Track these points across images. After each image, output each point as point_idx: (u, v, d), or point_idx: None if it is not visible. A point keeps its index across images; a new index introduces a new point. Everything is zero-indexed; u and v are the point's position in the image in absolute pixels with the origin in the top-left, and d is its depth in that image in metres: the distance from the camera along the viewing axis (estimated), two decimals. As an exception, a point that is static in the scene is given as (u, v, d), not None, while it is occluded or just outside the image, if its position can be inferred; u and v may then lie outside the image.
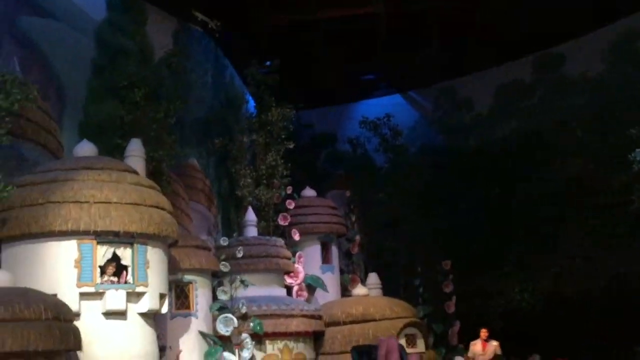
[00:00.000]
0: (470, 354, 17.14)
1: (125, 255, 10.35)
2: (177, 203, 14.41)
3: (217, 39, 21.38)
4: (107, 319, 10.19)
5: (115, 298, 10.13)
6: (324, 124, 28.23)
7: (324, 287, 17.47)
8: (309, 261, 17.54)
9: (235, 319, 13.86)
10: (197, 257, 13.44)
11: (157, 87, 15.96)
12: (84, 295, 10.00)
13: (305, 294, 16.98)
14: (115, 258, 10.31)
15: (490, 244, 23.37)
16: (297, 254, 17.11)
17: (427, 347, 16.65)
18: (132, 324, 10.41)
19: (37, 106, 11.62)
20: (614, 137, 21.66)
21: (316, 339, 15.73)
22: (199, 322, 13.47)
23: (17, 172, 10.87)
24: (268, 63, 20.38)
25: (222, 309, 14.02)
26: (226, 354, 13.64)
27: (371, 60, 25.75)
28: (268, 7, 22.64)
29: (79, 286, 9.95)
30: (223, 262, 14.15)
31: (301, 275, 16.92)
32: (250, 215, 16.81)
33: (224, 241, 15.31)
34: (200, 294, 13.55)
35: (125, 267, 10.39)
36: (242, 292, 14.69)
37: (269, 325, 14.46)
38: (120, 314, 10.27)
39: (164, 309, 11.12)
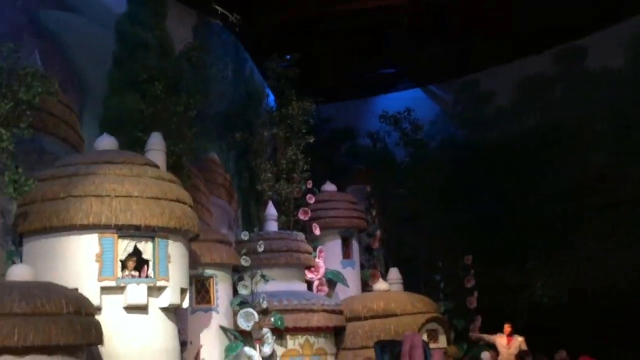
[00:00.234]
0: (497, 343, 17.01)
1: (147, 249, 10.28)
2: (198, 197, 14.36)
3: (237, 33, 21.30)
4: (128, 313, 10.13)
5: (137, 292, 10.07)
6: (344, 119, 28.11)
7: (344, 282, 17.37)
8: (329, 256, 17.43)
9: (256, 314, 13.78)
10: (217, 251, 13.40)
11: (177, 81, 15.91)
12: (105, 290, 9.94)
13: (325, 288, 16.88)
14: (136, 252, 10.25)
15: (511, 238, 23.23)
16: (318, 249, 17.00)
17: (448, 343, 16.53)
18: (153, 319, 10.34)
19: (57, 99, 11.56)
20: (637, 131, 21.47)
21: (337, 334, 15.61)
22: (219, 316, 13.45)
23: (38, 166, 10.84)
24: (288, 57, 20.28)
25: (243, 303, 13.96)
26: (247, 348, 13.61)
27: (391, 54, 25.56)
28: (287, 0, 22.53)
29: (100, 280, 9.88)
30: (244, 257, 14.08)
31: (322, 270, 16.82)
32: (271, 210, 16.71)
33: (244, 235, 15.23)
34: (221, 289, 13.53)
35: (146, 262, 10.32)
36: (262, 287, 14.61)
37: (289, 320, 14.38)
38: (142, 309, 10.20)
39: (185, 304, 11.06)
